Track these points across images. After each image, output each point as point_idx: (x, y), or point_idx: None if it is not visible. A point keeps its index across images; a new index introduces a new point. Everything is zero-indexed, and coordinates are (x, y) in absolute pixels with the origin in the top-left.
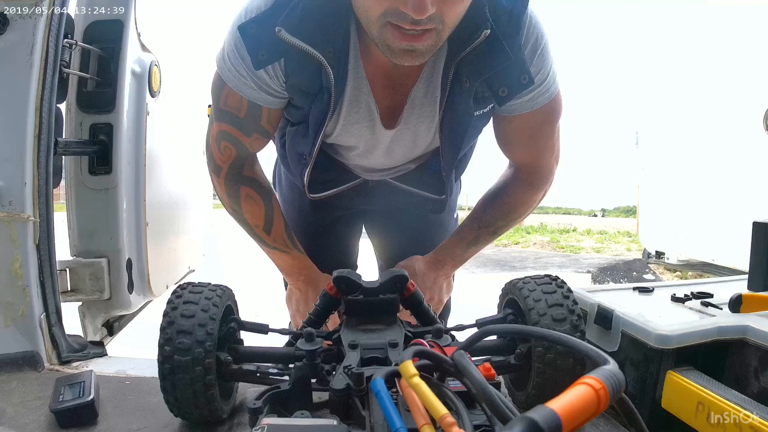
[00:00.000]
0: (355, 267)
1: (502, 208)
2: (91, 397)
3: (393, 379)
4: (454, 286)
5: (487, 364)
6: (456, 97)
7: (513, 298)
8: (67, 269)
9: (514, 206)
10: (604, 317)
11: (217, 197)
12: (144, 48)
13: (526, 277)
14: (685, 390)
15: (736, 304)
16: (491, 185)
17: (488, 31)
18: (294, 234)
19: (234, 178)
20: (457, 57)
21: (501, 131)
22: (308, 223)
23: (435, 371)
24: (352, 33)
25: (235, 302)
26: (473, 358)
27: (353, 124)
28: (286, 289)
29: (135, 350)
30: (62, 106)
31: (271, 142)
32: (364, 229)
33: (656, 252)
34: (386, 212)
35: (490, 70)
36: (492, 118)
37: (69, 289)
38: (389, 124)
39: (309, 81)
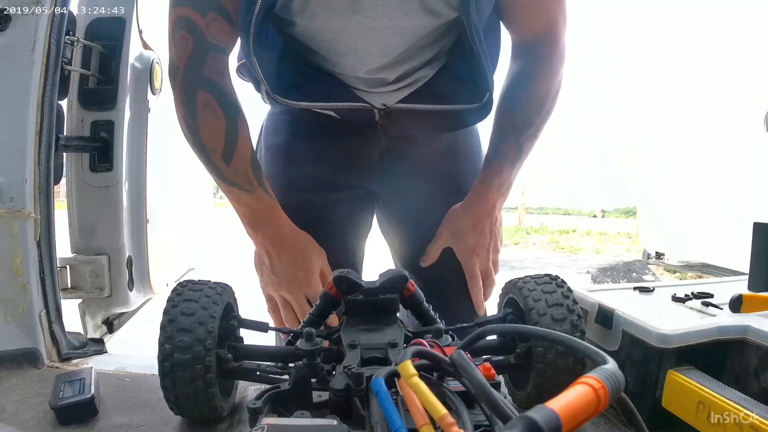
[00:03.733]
0: (360, 269)
1: (532, 102)
2: (91, 394)
3: (393, 379)
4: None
5: (487, 364)
6: None
7: (513, 298)
8: (68, 266)
9: (544, 94)
10: (605, 316)
11: (218, 195)
12: (145, 45)
13: (526, 276)
14: (686, 389)
15: (737, 304)
16: (505, 85)
17: None
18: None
19: (191, 77)
20: None
21: None
22: (297, 206)
23: (434, 371)
24: None
25: (235, 300)
26: (473, 358)
27: None
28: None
29: (134, 347)
30: (64, 103)
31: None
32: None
33: (656, 253)
34: (405, 191)
35: None
36: None
37: (69, 286)
38: None
39: None
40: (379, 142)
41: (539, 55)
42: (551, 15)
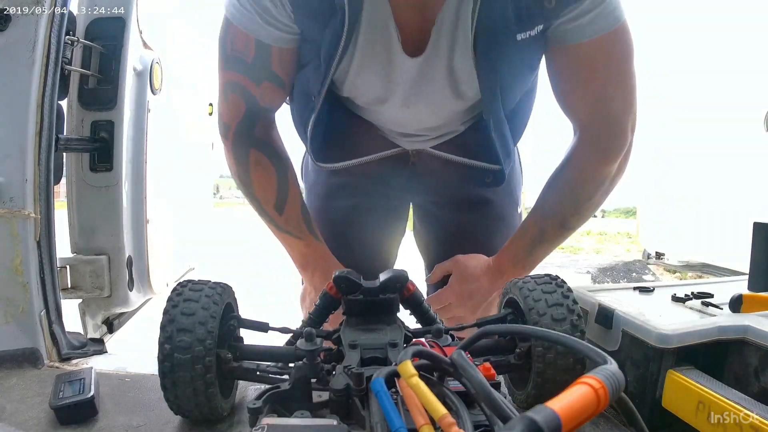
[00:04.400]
0: None
1: (567, 188)
2: (91, 393)
3: (393, 379)
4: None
5: (487, 364)
6: (490, 9)
7: (513, 298)
8: (68, 266)
9: (581, 183)
10: (605, 316)
11: (218, 195)
12: (146, 45)
13: (525, 276)
14: (686, 389)
15: (737, 304)
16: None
17: None
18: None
19: (243, 138)
20: None
21: (557, 70)
22: (337, 210)
23: (434, 371)
24: None
25: (235, 300)
26: (473, 359)
27: (372, 57)
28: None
29: (134, 347)
30: (64, 103)
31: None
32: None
33: (656, 253)
34: (435, 206)
35: None
36: (546, 58)
37: (69, 286)
38: (413, 51)
39: (319, 1)
40: (410, 169)
41: (583, 141)
42: (601, 96)
